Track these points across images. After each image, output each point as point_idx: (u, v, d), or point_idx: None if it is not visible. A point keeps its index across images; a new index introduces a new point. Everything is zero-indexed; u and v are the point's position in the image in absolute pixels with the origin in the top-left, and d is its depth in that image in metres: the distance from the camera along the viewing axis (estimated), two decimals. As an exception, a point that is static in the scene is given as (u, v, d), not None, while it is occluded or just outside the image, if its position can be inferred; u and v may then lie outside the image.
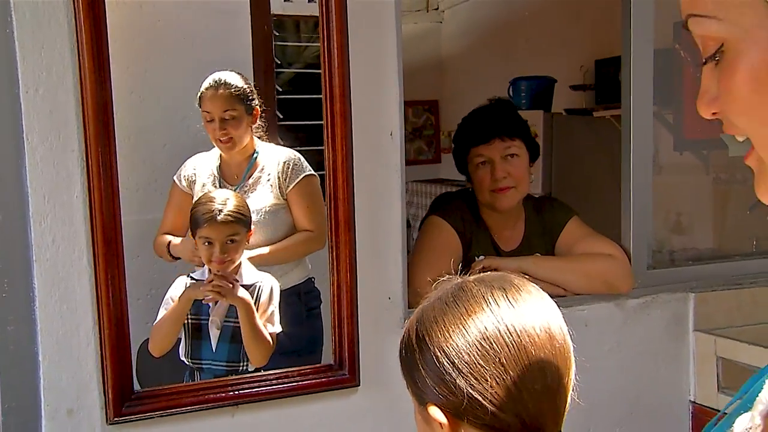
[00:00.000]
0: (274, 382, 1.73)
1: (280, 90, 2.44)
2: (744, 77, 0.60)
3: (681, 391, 2.12)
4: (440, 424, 0.84)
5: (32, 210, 1.51)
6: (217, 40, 2.34)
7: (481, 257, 2.04)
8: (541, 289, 0.90)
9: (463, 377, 0.82)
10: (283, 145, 2.18)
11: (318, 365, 1.80)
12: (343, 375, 1.77)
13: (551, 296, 0.91)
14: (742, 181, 2.81)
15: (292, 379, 1.74)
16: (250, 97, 2.06)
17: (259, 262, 1.97)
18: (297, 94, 2.51)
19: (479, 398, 0.80)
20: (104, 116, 1.51)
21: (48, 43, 1.48)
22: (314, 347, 2.08)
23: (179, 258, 1.99)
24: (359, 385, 1.79)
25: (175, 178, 2.09)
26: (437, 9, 6.53)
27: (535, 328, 0.83)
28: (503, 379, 0.80)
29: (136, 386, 1.64)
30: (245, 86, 2.05)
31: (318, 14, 1.74)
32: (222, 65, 2.18)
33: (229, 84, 2.03)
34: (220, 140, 2.04)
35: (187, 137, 2.22)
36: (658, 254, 2.58)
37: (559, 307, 0.90)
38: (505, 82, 4.98)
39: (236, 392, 1.70)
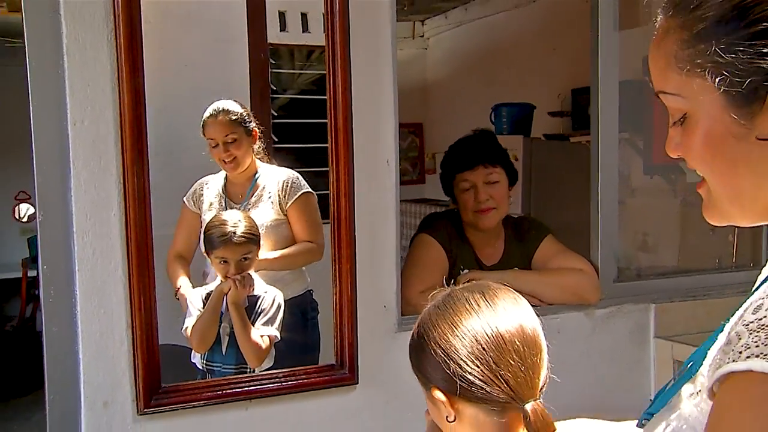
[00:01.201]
0: (282, 379, 1.93)
1: (275, 114, 2.54)
2: (699, 139, 0.79)
3: (642, 391, 2.32)
4: (442, 402, 1.05)
5: (76, 226, 1.71)
6: (217, 67, 2.44)
7: (466, 271, 2.26)
8: (514, 291, 1.12)
9: (455, 364, 1.02)
10: (278, 165, 2.31)
11: (321, 365, 2.00)
12: (344, 374, 1.97)
13: None
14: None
15: (298, 377, 1.95)
16: (248, 121, 2.20)
17: (266, 266, 2.14)
18: (291, 118, 2.61)
19: (469, 378, 1.01)
20: (140, 145, 1.72)
21: (93, 82, 1.69)
22: (312, 352, 2.24)
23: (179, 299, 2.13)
24: (358, 383, 1.98)
25: (184, 199, 2.23)
26: (423, 36, 6.66)
27: (509, 320, 1.04)
28: (486, 362, 1.01)
29: (163, 383, 1.83)
30: (242, 111, 2.20)
31: (312, 45, 1.93)
32: (221, 91, 2.30)
33: (228, 110, 2.18)
34: (225, 161, 2.19)
35: (187, 159, 2.34)
36: (626, 270, 2.81)
37: (535, 314, 1.11)
38: (487, 107, 5.10)
39: (249, 388, 1.90)
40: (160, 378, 1.81)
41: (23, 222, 5.84)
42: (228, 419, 1.89)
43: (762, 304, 0.67)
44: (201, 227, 2.18)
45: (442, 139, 2.51)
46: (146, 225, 1.75)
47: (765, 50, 0.70)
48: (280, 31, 2.60)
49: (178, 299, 2.14)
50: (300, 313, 2.29)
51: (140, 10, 1.70)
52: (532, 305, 2.19)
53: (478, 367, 1.01)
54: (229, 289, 2.04)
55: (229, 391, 1.88)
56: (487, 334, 1.02)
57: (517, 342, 1.03)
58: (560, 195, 4.12)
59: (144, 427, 1.80)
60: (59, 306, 1.73)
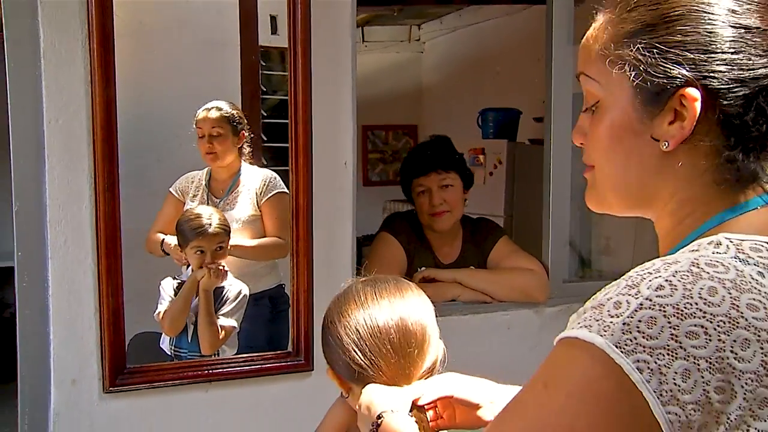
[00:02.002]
0: (242, 364, 2.07)
1: (265, 115, 2.62)
2: (605, 127, 0.85)
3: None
4: (336, 381, 1.17)
5: (49, 217, 1.84)
6: (209, 69, 2.54)
7: (423, 269, 2.39)
8: (413, 287, 1.22)
9: (341, 349, 1.13)
10: (266, 165, 2.45)
11: (278, 352, 2.13)
12: (300, 360, 2.11)
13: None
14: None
15: (256, 363, 2.08)
16: (238, 122, 2.34)
17: (239, 253, 2.28)
18: (281, 118, 2.59)
19: (350, 363, 1.12)
20: (109, 142, 1.85)
21: (67, 84, 1.82)
22: (281, 344, 2.29)
23: (168, 254, 2.28)
24: (313, 370, 2.11)
25: (171, 189, 2.37)
26: (419, 40, 6.75)
27: (389, 314, 1.14)
28: (362, 349, 1.11)
29: (128, 363, 1.96)
30: (233, 111, 2.34)
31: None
32: (214, 92, 2.43)
33: (219, 107, 2.33)
34: (207, 153, 2.34)
35: (177, 157, 2.45)
36: (588, 271, 2.94)
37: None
38: (478, 110, 5.28)
39: (210, 371, 2.03)
40: (126, 359, 1.94)
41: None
42: (189, 400, 2.02)
43: (610, 286, 0.76)
44: None
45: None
46: (115, 217, 1.88)
47: (676, 59, 0.78)
48: (271, 34, 2.65)
49: (164, 251, 2.29)
50: (270, 305, 2.41)
51: (113, 18, 1.83)
52: (484, 302, 2.34)
53: (357, 353, 1.12)
54: (203, 277, 2.18)
55: (190, 373, 2.01)
56: (366, 325, 1.13)
57: (393, 332, 1.12)
58: (541, 197, 4.23)
59: (109, 404, 1.93)
60: (32, 290, 1.86)
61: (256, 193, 2.38)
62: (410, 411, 1.07)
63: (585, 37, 0.90)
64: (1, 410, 4.29)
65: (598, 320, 0.71)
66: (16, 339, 1.86)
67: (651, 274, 0.72)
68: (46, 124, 1.83)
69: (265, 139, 2.59)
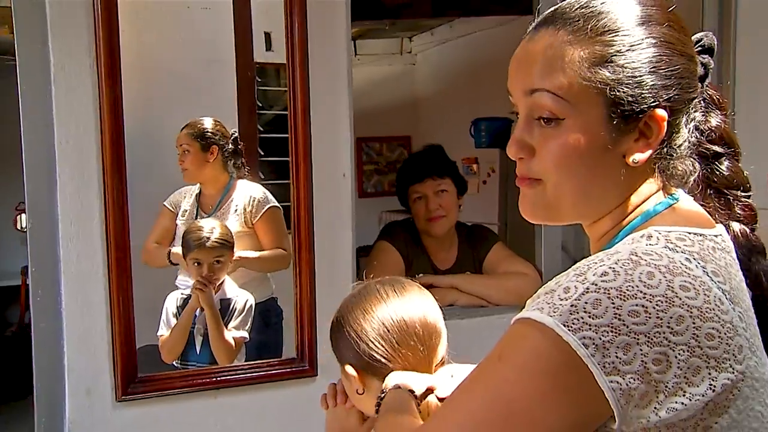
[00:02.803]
0: (248, 371, 2.15)
1: (262, 130, 2.64)
2: (569, 144, 0.88)
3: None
4: (353, 377, 1.23)
5: (61, 233, 1.92)
6: (207, 86, 2.56)
7: (420, 275, 2.47)
8: (421, 287, 1.31)
9: (364, 343, 1.21)
10: (264, 179, 2.49)
11: (283, 359, 2.21)
12: (304, 367, 2.18)
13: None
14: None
15: (263, 370, 2.16)
16: (207, 136, 2.36)
17: (243, 265, 2.34)
18: (276, 133, 2.66)
19: (375, 355, 1.21)
20: (118, 161, 1.93)
21: (77, 106, 1.90)
22: (273, 355, 2.34)
23: (177, 263, 2.33)
24: (317, 375, 2.19)
25: (165, 202, 2.40)
26: (410, 52, 6.84)
27: (412, 309, 1.24)
28: (389, 342, 1.21)
29: (139, 373, 2.03)
30: (205, 127, 2.36)
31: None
32: (211, 107, 2.46)
33: (190, 125, 2.35)
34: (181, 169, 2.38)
35: (173, 173, 2.43)
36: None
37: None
38: (470, 120, 5.38)
39: (218, 379, 2.10)
40: (137, 368, 2.01)
41: (23, 232, 6.04)
42: (198, 407, 2.09)
43: (561, 275, 0.85)
44: (175, 229, 2.37)
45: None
46: (124, 231, 1.96)
47: (646, 83, 0.86)
48: (266, 50, 2.68)
49: (171, 261, 2.33)
50: (261, 317, 2.44)
51: (119, 43, 1.92)
52: (480, 306, 2.41)
53: (383, 346, 1.21)
54: (195, 302, 2.23)
55: (199, 381, 2.09)
56: (392, 319, 1.22)
57: (418, 326, 1.22)
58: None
59: (122, 412, 2.00)
60: (46, 304, 1.93)
61: (245, 210, 2.42)
62: (420, 396, 1.15)
63: (530, 51, 0.94)
64: (8, 428, 4.38)
65: (549, 303, 0.80)
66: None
67: (596, 263, 0.81)
68: (57, 145, 1.90)
69: (262, 153, 2.63)
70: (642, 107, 0.87)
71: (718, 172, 0.90)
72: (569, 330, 0.77)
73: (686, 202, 0.93)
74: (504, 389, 0.80)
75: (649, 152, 0.89)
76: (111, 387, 1.99)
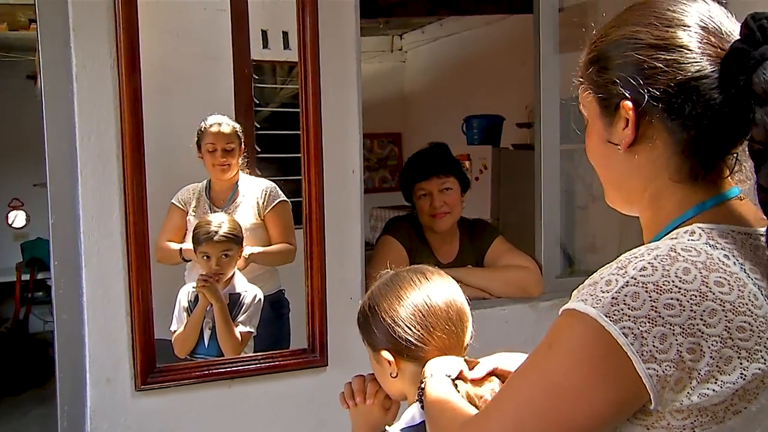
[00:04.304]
0: (261, 361, 2.22)
1: (258, 126, 2.69)
2: (589, 139, 1.04)
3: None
4: (389, 361, 1.30)
5: (83, 227, 1.98)
6: (204, 83, 2.63)
7: (425, 268, 2.54)
8: (443, 273, 1.38)
9: (400, 328, 1.28)
10: (260, 176, 2.56)
11: (294, 349, 2.28)
12: (315, 357, 2.26)
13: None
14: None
15: (275, 360, 2.23)
16: (241, 136, 2.48)
17: (254, 259, 2.40)
18: (273, 130, 2.78)
19: (411, 339, 1.27)
20: (138, 158, 2.00)
21: (98, 104, 1.96)
22: (282, 346, 2.43)
23: (190, 260, 2.40)
24: (327, 365, 2.26)
25: (173, 200, 2.47)
26: (401, 50, 6.91)
27: (442, 294, 1.31)
28: (424, 326, 1.28)
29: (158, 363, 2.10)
30: (239, 126, 2.47)
31: (293, 61, 2.16)
32: (208, 104, 2.53)
33: (229, 123, 2.46)
34: (219, 166, 2.45)
35: (174, 168, 2.54)
36: (576, 269, 3.11)
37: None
38: (462, 117, 5.42)
39: (232, 369, 2.18)
40: (155, 359, 2.08)
41: (16, 229, 6.07)
42: (214, 396, 2.17)
43: (604, 268, 0.92)
44: (187, 225, 2.43)
45: (420, 148, 2.78)
46: (144, 226, 2.03)
47: (616, 78, 0.96)
48: (263, 48, 2.76)
49: (183, 258, 2.41)
50: (272, 309, 2.51)
51: (139, 43, 1.98)
52: (482, 299, 2.49)
53: (418, 330, 1.28)
54: (206, 299, 2.30)
55: (214, 371, 2.16)
56: (426, 304, 1.29)
57: (450, 310, 1.30)
58: (526, 201, 4.39)
59: (141, 401, 2.07)
60: (68, 296, 2.00)
61: (258, 203, 2.49)
62: (455, 377, 1.22)
63: None
64: (5, 422, 4.42)
65: (592, 295, 0.88)
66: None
67: (636, 258, 0.89)
68: (78, 142, 1.97)
69: (259, 150, 2.68)
70: (614, 98, 0.97)
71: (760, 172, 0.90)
72: (611, 320, 0.84)
73: (738, 199, 0.98)
74: (554, 374, 0.89)
75: (629, 139, 0.97)
76: (130, 376, 2.06)
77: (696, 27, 0.94)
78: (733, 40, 0.92)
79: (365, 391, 1.40)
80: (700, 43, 0.93)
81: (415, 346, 1.28)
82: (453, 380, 1.22)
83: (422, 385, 1.22)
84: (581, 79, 1.03)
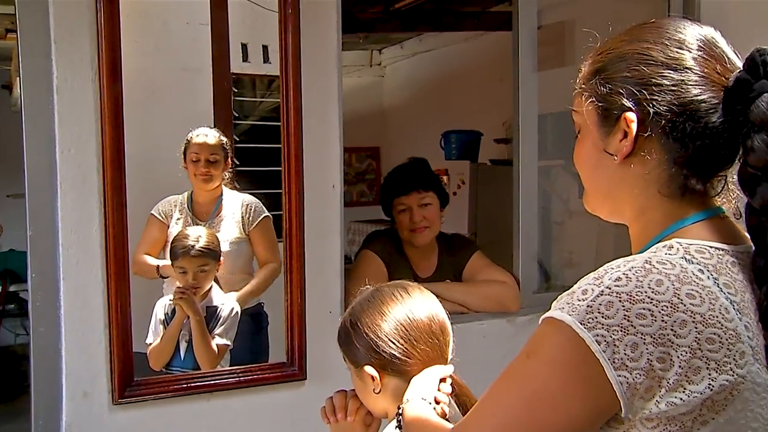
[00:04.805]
0: (240, 375, 2.21)
1: (238, 140, 2.69)
2: (581, 147, 1.07)
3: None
4: (372, 377, 1.30)
5: (61, 239, 1.97)
6: (184, 95, 2.63)
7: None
8: (423, 288, 1.40)
9: (383, 343, 1.29)
10: (240, 189, 2.56)
11: (273, 363, 2.28)
12: (294, 370, 2.25)
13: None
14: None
15: (254, 373, 2.22)
16: (227, 149, 2.48)
17: (253, 296, 2.44)
18: (252, 143, 2.78)
19: (395, 353, 1.28)
20: (119, 170, 1.99)
21: (79, 116, 1.96)
22: (261, 360, 2.43)
23: (167, 277, 2.39)
24: (306, 379, 2.26)
25: (153, 211, 2.45)
26: (380, 65, 6.96)
27: (424, 309, 1.33)
28: (407, 340, 1.29)
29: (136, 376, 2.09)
30: (225, 139, 2.47)
31: (273, 74, 2.16)
32: (187, 117, 2.53)
33: (215, 135, 2.46)
34: (200, 176, 2.44)
35: (152, 180, 2.52)
36: (552, 284, 3.14)
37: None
38: (440, 132, 5.46)
39: (210, 382, 2.17)
40: (133, 372, 2.07)
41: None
42: (192, 409, 2.15)
43: (583, 279, 0.95)
44: (167, 238, 2.42)
45: (399, 162, 2.80)
46: (123, 239, 2.02)
47: (621, 90, 0.99)
48: (243, 61, 2.77)
49: (161, 275, 2.39)
50: (251, 323, 2.53)
51: (121, 56, 1.98)
52: (460, 313, 2.51)
53: (402, 344, 1.29)
54: (183, 311, 2.29)
55: (193, 384, 2.15)
56: (409, 318, 1.31)
57: (432, 324, 1.32)
58: (503, 216, 4.42)
59: (119, 415, 2.05)
60: (45, 309, 1.98)
61: (243, 218, 2.49)
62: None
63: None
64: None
65: (569, 303, 0.91)
66: None
67: (613, 269, 0.92)
68: (58, 154, 1.96)
69: (238, 163, 2.67)
70: (616, 110, 1.00)
71: (754, 196, 0.94)
72: (585, 328, 0.87)
73: (719, 218, 1.01)
74: (532, 382, 0.91)
75: (626, 151, 1.00)
76: (108, 390, 2.04)
77: (703, 52, 0.98)
78: (734, 69, 0.97)
79: (346, 408, 1.40)
80: (706, 67, 0.97)
81: (399, 360, 1.29)
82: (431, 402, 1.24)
83: (400, 410, 1.24)
84: (582, 87, 1.06)
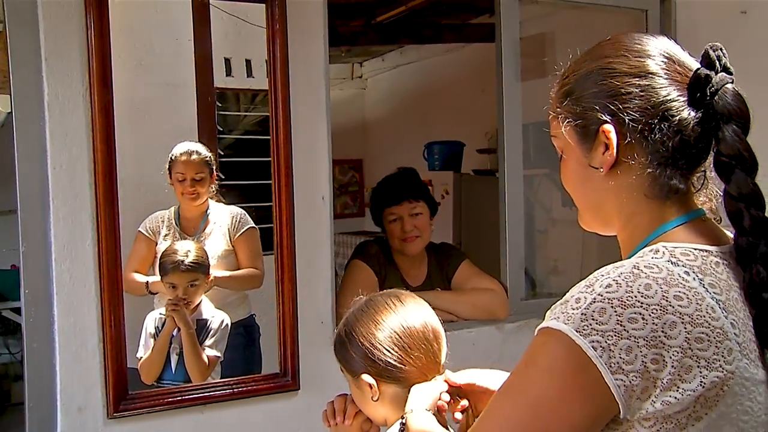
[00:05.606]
0: (233, 386, 2.22)
1: (222, 153, 2.66)
2: (566, 168, 1.11)
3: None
4: (370, 385, 1.32)
5: (54, 255, 1.98)
6: (168, 110, 2.62)
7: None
8: (416, 297, 1.42)
9: (379, 351, 1.31)
10: (225, 203, 2.56)
11: (266, 374, 2.29)
12: (287, 381, 2.27)
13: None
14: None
15: (248, 385, 2.24)
16: (212, 163, 2.48)
17: (218, 283, 2.40)
18: (237, 157, 2.78)
19: (391, 361, 1.30)
20: (110, 186, 2.01)
21: (70, 132, 1.98)
22: (254, 370, 2.46)
23: (157, 293, 2.40)
24: (299, 389, 2.28)
25: (140, 228, 2.44)
26: (361, 77, 6.99)
27: (417, 317, 1.36)
28: (402, 347, 1.31)
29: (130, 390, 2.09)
30: (209, 154, 2.47)
31: (256, 89, 2.17)
32: (171, 132, 2.53)
33: (200, 152, 2.45)
34: (187, 195, 2.44)
35: (137, 197, 2.47)
36: (538, 292, 3.17)
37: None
38: (423, 143, 5.49)
39: (204, 395, 2.18)
40: (128, 386, 2.08)
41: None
42: (187, 422, 2.16)
43: (575, 287, 0.97)
44: (155, 254, 2.41)
45: (381, 174, 2.80)
46: (116, 253, 2.04)
47: (594, 106, 1.03)
48: (226, 75, 2.76)
49: (150, 291, 2.39)
50: (244, 335, 2.54)
51: (112, 72, 2.00)
52: (450, 321, 2.54)
53: (397, 352, 1.31)
54: (172, 324, 2.29)
55: (187, 397, 2.16)
56: (403, 326, 1.33)
57: (425, 331, 1.34)
58: (487, 225, 4.44)
59: (114, 429, 2.06)
60: (39, 324, 1.99)
61: (228, 230, 2.50)
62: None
63: None
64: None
65: (564, 312, 0.94)
66: None
67: (603, 276, 0.95)
68: (50, 170, 1.97)
69: (222, 177, 2.67)
70: (593, 125, 1.04)
71: (730, 183, 1.00)
72: (581, 335, 0.90)
73: (702, 219, 1.06)
74: (532, 391, 0.94)
75: (611, 161, 1.03)
76: (102, 404, 2.05)
77: (662, 57, 1.04)
78: (694, 68, 1.03)
79: (345, 411, 1.42)
80: (668, 70, 1.03)
81: (395, 367, 1.31)
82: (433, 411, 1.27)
83: (403, 420, 1.26)
84: (557, 110, 1.09)
